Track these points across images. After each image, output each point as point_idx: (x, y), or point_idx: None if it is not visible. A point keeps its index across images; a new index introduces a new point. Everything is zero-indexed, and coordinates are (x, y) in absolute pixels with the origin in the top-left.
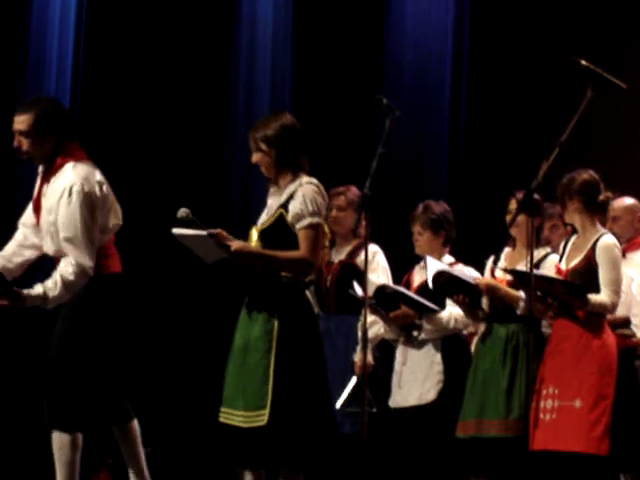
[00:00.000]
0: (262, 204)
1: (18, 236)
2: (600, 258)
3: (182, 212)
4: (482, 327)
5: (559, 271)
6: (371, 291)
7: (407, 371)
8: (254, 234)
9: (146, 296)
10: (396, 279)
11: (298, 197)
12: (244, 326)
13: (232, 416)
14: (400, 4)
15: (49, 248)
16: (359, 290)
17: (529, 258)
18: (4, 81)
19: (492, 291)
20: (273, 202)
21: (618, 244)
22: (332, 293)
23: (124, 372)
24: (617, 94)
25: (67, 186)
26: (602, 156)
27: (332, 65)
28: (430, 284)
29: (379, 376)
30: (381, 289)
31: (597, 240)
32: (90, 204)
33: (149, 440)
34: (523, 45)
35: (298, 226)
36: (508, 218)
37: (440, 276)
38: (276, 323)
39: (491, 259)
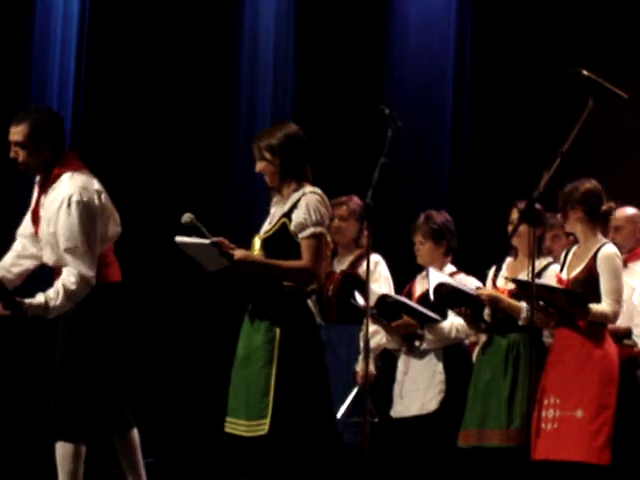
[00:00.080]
0: (263, 214)
1: (16, 247)
2: (601, 268)
3: (186, 217)
4: (483, 337)
5: (560, 281)
6: (373, 301)
7: (409, 381)
8: (257, 243)
9: (149, 304)
10: (398, 289)
11: (301, 206)
12: (246, 335)
13: (236, 425)
14: (402, 15)
15: (49, 258)
16: (361, 300)
17: (531, 268)
18: (7, 95)
19: (494, 302)
20: (276, 211)
21: (619, 254)
22: (334, 303)
23: (124, 380)
24: (619, 104)
25: (66, 197)
26: (604, 166)
27: (334, 77)
28: (431, 296)
29: (381, 386)
30: (383, 299)
31: (598, 250)
32: (90, 214)
33: (151, 450)
34: (525, 55)
35: (301, 236)
36: (510, 228)
37: (442, 288)
38: (278, 332)
39: (493, 269)
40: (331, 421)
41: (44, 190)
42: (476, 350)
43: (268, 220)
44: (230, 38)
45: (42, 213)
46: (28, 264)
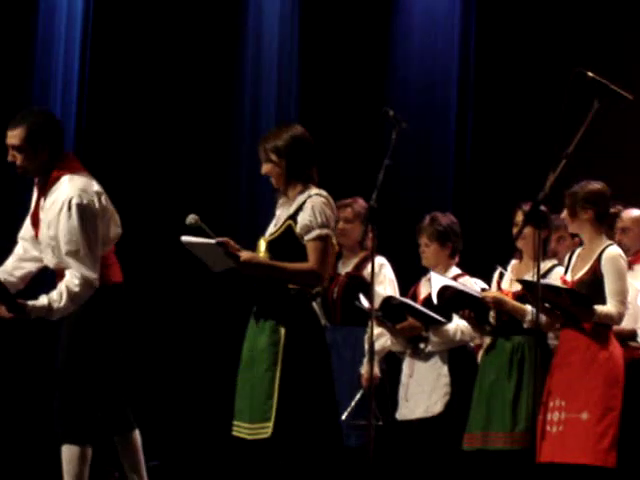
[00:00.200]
0: (268, 215)
1: (18, 250)
2: (606, 269)
3: (191, 218)
4: (487, 339)
5: (565, 283)
6: (378, 303)
7: (414, 383)
8: (262, 245)
9: (154, 305)
10: (403, 291)
11: (307, 209)
12: (251, 337)
13: (240, 428)
14: (406, 17)
15: (49, 261)
16: (365, 302)
17: (536, 270)
18: (10, 95)
19: (499, 304)
20: (282, 213)
21: (624, 255)
22: (339, 305)
23: (127, 381)
24: (624, 105)
25: (65, 200)
26: (609, 167)
27: (338, 77)
28: (435, 300)
29: (386, 388)
30: (387, 301)
31: (602, 251)
32: (90, 216)
33: (156, 453)
34: (529, 57)
35: (307, 238)
36: (515, 230)
37: (445, 290)
38: (283, 334)
39: (497, 271)
40: (335, 424)
41: (43, 193)
42: (481, 352)
43: (273, 222)
44: (234, 37)
45: (42, 216)
46: (30, 267)
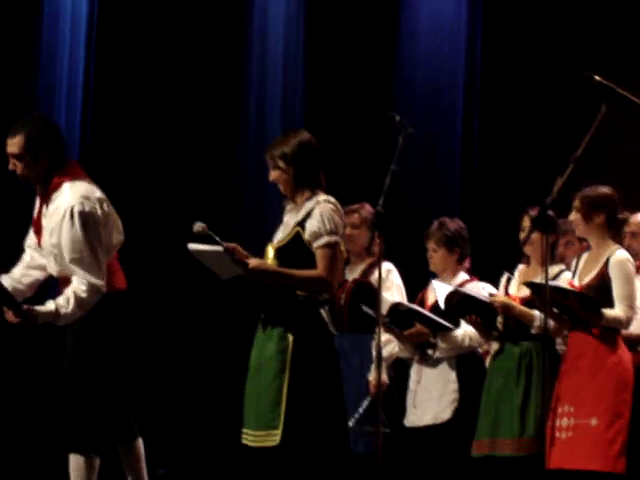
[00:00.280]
0: (274, 220)
1: (25, 258)
2: (613, 273)
3: (198, 226)
4: (495, 345)
5: (572, 287)
6: (385, 309)
7: (422, 390)
8: (270, 251)
9: (162, 312)
10: (410, 297)
11: (315, 215)
12: (259, 344)
13: (247, 436)
14: (412, 20)
15: (52, 269)
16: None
17: (544, 275)
18: (15, 99)
19: (507, 309)
20: (290, 219)
21: (631, 259)
22: (346, 311)
23: (131, 390)
24: (632, 110)
25: (67, 207)
26: (616, 172)
27: (344, 80)
28: (442, 305)
29: (393, 395)
30: (395, 307)
31: (610, 255)
32: (93, 223)
33: (163, 461)
34: (536, 60)
35: (315, 245)
36: (522, 235)
37: (453, 296)
38: (291, 342)
39: (505, 276)
40: (344, 432)
41: (45, 200)
42: (489, 358)
43: (281, 229)
44: (239, 39)
45: (44, 223)
46: (37, 275)
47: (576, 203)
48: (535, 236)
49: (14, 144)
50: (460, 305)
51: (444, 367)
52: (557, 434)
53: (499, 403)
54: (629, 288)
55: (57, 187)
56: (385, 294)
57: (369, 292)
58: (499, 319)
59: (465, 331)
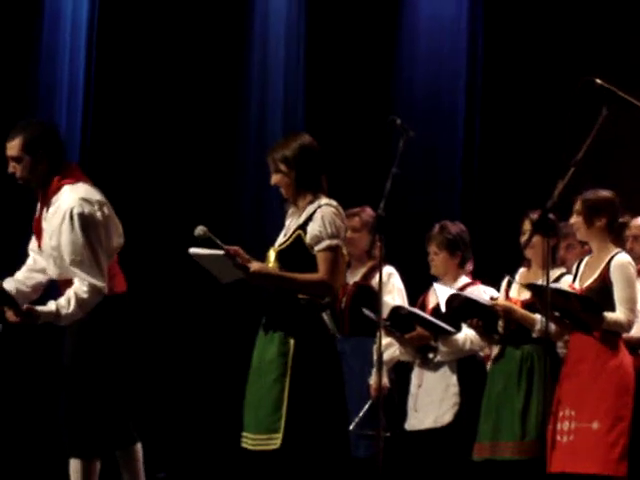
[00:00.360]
0: (274, 223)
1: (29, 261)
2: (615, 276)
3: (199, 230)
4: (496, 349)
5: (573, 290)
6: (386, 312)
7: (423, 393)
8: (271, 255)
9: (162, 316)
10: (411, 300)
11: (317, 219)
12: (260, 347)
13: (247, 439)
14: (413, 21)
15: (52, 271)
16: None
17: (545, 278)
18: (16, 102)
19: (508, 313)
20: (291, 223)
21: (633, 262)
22: (347, 315)
23: (130, 394)
24: (633, 113)
25: (67, 210)
26: (618, 175)
27: (345, 82)
28: (443, 309)
29: (394, 399)
30: (396, 310)
31: (611, 259)
32: (92, 225)
33: (163, 465)
34: (537, 61)
35: (317, 248)
36: (523, 239)
37: (454, 299)
38: (292, 345)
39: (505, 280)
40: (344, 436)
41: (45, 203)
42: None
43: (283, 232)
44: (240, 42)
45: (44, 226)
46: (40, 278)
47: (577, 206)
48: (536, 239)
49: (13, 147)
50: (461, 309)
51: (445, 371)
52: (558, 438)
53: (500, 407)
54: (630, 291)
55: (57, 190)
56: (386, 297)
57: (370, 295)
58: (500, 323)
59: (466, 335)
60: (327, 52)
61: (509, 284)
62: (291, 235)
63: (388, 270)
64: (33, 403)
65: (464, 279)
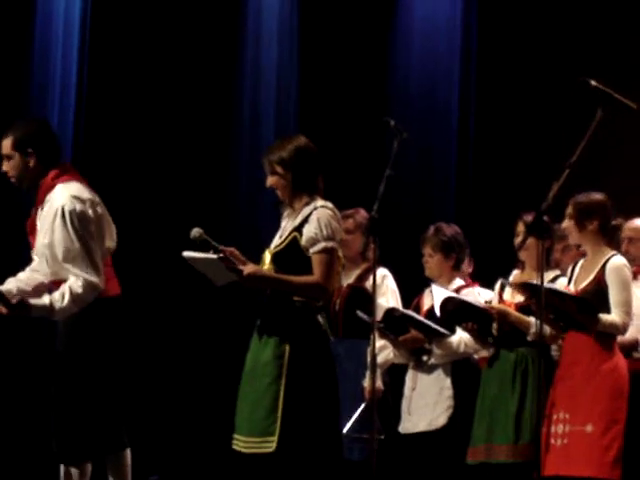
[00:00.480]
0: (268, 223)
1: (33, 263)
2: (610, 279)
3: (195, 232)
4: (490, 352)
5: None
6: (380, 315)
7: (417, 396)
8: (267, 257)
9: (156, 319)
10: (406, 302)
11: (313, 221)
12: (255, 350)
13: (239, 442)
14: (408, 21)
15: (45, 272)
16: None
17: (539, 280)
18: (8, 99)
19: (503, 316)
20: (287, 225)
21: (628, 265)
22: (341, 317)
23: (123, 398)
24: (628, 114)
25: (59, 208)
26: (613, 177)
27: (338, 81)
28: (438, 313)
29: (388, 401)
30: (390, 313)
31: (607, 261)
32: (84, 221)
33: (156, 468)
34: (532, 60)
35: (312, 250)
36: (516, 241)
37: (448, 302)
38: (287, 348)
39: (499, 282)
40: (337, 439)
41: (40, 202)
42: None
43: (278, 234)
44: (233, 40)
45: (38, 224)
46: (43, 279)
47: (569, 210)
48: (530, 241)
49: (5, 145)
50: (456, 312)
51: (439, 373)
52: (552, 441)
53: (494, 409)
54: (626, 294)
55: (50, 188)
56: (380, 300)
57: (364, 298)
58: (494, 325)
59: (460, 337)
60: (321, 51)
61: (502, 287)
62: (287, 237)
63: (382, 272)
64: (24, 406)
65: (458, 281)
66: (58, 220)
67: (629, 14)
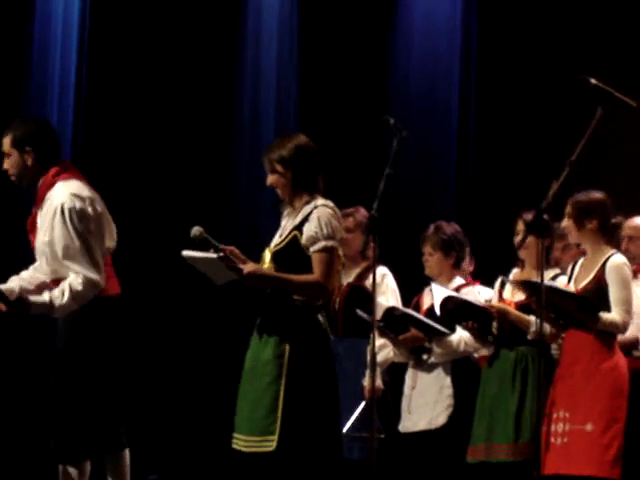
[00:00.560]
0: (267, 222)
1: (36, 262)
2: (610, 277)
3: (195, 231)
4: (488, 350)
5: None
6: (380, 313)
7: (417, 395)
8: (267, 255)
9: (155, 318)
10: (405, 301)
11: (313, 220)
12: (255, 349)
13: (238, 441)
14: (408, 20)
15: (45, 271)
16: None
17: (539, 279)
18: (7, 99)
19: (503, 315)
20: (287, 223)
21: (628, 263)
22: (340, 316)
23: (122, 398)
24: (629, 112)
25: (58, 205)
26: (613, 175)
27: (338, 81)
28: (438, 312)
29: (388, 400)
30: (390, 311)
31: (607, 260)
32: (84, 219)
33: (156, 467)
34: (532, 59)
35: (312, 249)
36: (516, 240)
37: (448, 301)
38: (287, 347)
39: (499, 281)
40: (337, 438)
41: (40, 200)
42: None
43: (279, 233)
44: (233, 40)
45: (39, 223)
46: (45, 278)
47: (568, 209)
48: (530, 240)
49: (4, 143)
50: (456, 310)
51: (439, 372)
52: (552, 440)
53: (494, 408)
54: (626, 292)
55: (50, 187)
56: (380, 298)
57: (364, 296)
58: (494, 324)
59: (460, 336)
60: (321, 50)
61: (502, 285)
62: (287, 236)
63: (382, 271)
64: (22, 405)
65: (458, 280)
66: (58, 217)
67: (628, 13)
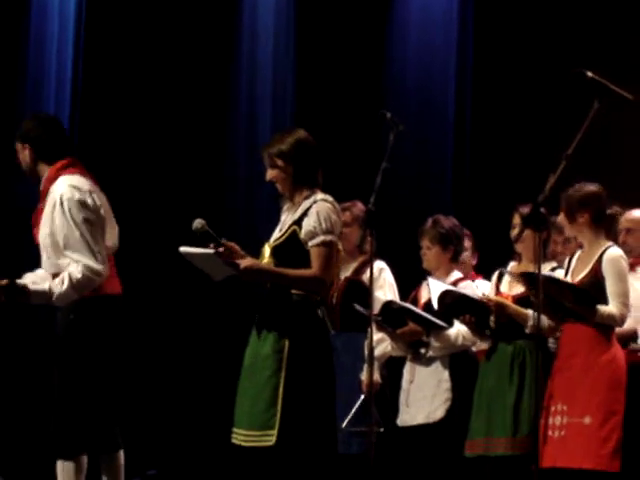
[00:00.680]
0: (265, 217)
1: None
2: (607, 270)
3: (197, 223)
4: (486, 344)
5: None
6: (377, 308)
7: (415, 389)
8: (266, 250)
9: (153, 314)
10: (403, 295)
11: (312, 214)
12: (254, 344)
13: (238, 435)
14: (404, 14)
15: (45, 264)
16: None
17: (536, 272)
18: (3, 94)
19: (501, 309)
20: (287, 218)
21: (625, 256)
22: (338, 310)
23: (118, 398)
24: (625, 106)
25: (57, 196)
26: (610, 168)
27: (335, 75)
28: (435, 305)
29: (386, 394)
30: (388, 305)
31: (603, 253)
32: (83, 209)
33: (154, 462)
34: (529, 53)
35: (311, 244)
36: (513, 233)
37: (446, 295)
38: (287, 342)
39: (496, 274)
40: (333, 433)
41: (44, 195)
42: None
43: (278, 227)
44: (229, 35)
45: (43, 217)
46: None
47: (561, 203)
48: (526, 233)
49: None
50: (454, 304)
51: (437, 366)
52: (550, 433)
53: (492, 402)
54: (623, 285)
55: (53, 181)
56: (377, 292)
57: (361, 290)
58: (491, 318)
59: (458, 330)
60: (317, 45)
61: (499, 278)
62: (286, 230)
63: (379, 265)
64: (21, 405)
65: (456, 273)
66: (57, 209)
67: (625, 6)
